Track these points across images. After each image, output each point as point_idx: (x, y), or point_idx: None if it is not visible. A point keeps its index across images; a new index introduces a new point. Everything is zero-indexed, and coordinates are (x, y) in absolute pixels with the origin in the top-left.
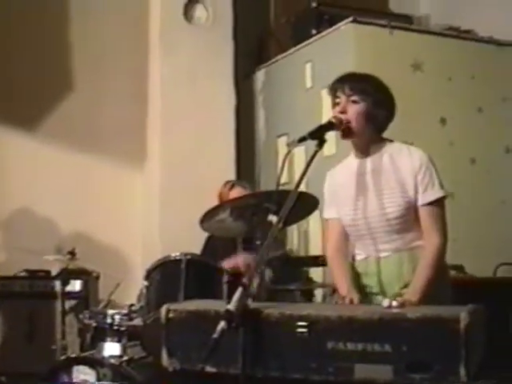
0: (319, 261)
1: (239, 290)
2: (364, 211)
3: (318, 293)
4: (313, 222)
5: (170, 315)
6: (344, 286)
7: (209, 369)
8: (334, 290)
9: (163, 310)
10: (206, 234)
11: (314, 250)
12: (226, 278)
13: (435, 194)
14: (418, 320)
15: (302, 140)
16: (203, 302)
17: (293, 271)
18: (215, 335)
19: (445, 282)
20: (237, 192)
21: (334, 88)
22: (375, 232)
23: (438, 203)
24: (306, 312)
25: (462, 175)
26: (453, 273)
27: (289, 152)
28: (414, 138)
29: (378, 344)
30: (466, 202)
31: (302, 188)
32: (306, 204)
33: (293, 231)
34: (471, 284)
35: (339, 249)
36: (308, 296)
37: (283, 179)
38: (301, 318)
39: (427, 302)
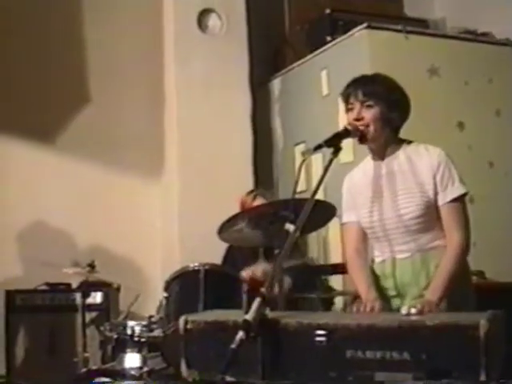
0: (339, 269)
1: (257, 300)
2: (379, 213)
3: (339, 301)
4: (332, 230)
5: (189, 326)
6: (364, 290)
7: (228, 379)
8: (355, 298)
9: (181, 320)
10: (226, 245)
11: (334, 258)
12: (245, 288)
13: (456, 191)
14: (436, 327)
15: (317, 148)
16: (222, 313)
17: (312, 279)
18: (234, 345)
19: (468, 285)
20: (258, 203)
21: (347, 94)
22: (390, 234)
23: (459, 200)
24: (324, 321)
25: (480, 179)
26: (473, 278)
27: (304, 160)
28: (432, 143)
29: (397, 352)
30: (485, 206)
31: (320, 196)
32: (324, 212)
33: (313, 239)
34: (492, 289)
35: (358, 251)
36: (328, 304)
37: (301, 187)
38: (319, 327)
39: (450, 304)
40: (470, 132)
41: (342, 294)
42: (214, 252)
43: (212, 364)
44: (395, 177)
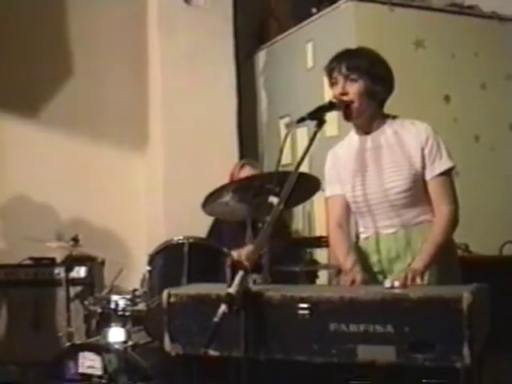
0: (323, 242)
1: (240, 273)
2: (363, 188)
3: (323, 275)
4: (317, 203)
5: (172, 300)
6: (345, 263)
7: (211, 352)
8: (339, 271)
9: (164, 294)
10: (211, 218)
11: (319, 231)
12: (229, 262)
13: (443, 165)
14: (419, 300)
15: (300, 121)
16: (205, 286)
17: (296, 253)
18: (216, 319)
19: (453, 258)
20: (246, 172)
21: (330, 68)
22: (374, 209)
23: (447, 174)
24: (307, 294)
25: (466, 153)
26: (458, 251)
27: (288, 133)
28: (418, 116)
29: (380, 325)
30: (470, 180)
31: (305, 169)
32: (309, 185)
33: (298, 213)
34: (477, 263)
35: (341, 225)
36: (312, 278)
37: (286, 160)
38: (302, 300)
39: (435, 277)
40: (455, 105)
41: (326, 267)
42: (200, 226)
43: (195, 338)
44: (381, 150)
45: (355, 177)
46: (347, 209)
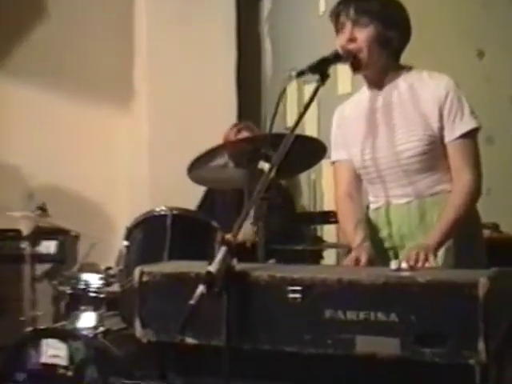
0: (330, 217)
1: (222, 249)
2: (373, 151)
3: (330, 256)
4: (325, 173)
5: (144, 279)
6: (355, 238)
7: (189, 340)
8: (350, 251)
9: (136, 272)
10: (204, 188)
11: (328, 205)
12: (219, 237)
13: (466, 125)
14: (428, 285)
15: (300, 75)
16: (185, 264)
17: (299, 230)
18: (193, 301)
19: (477, 238)
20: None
21: (337, 12)
22: (385, 175)
23: (470, 136)
24: (299, 274)
25: (500, 116)
26: (486, 232)
27: (285, 89)
28: (446, 73)
29: (382, 312)
30: (504, 148)
31: (313, 133)
32: (313, 151)
33: (304, 184)
34: (507, 244)
35: (350, 194)
36: (316, 258)
37: (290, 122)
38: (293, 282)
39: (454, 260)
40: (489, 62)
41: (333, 246)
42: (191, 196)
43: (170, 323)
44: (393, 109)
45: (364, 138)
46: (357, 176)
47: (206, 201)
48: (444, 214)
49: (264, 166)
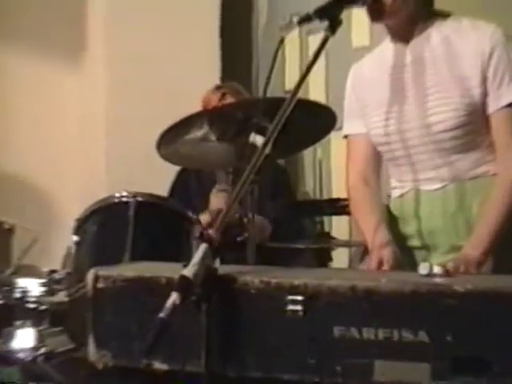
0: (341, 207)
1: (202, 247)
2: (399, 122)
3: (341, 256)
4: (334, 150)
5: (100, 285)
6: (375, 235)
7: (157, 365)
8: (366, 251)
9: (89, 276)
10: (177, 168)
11: (338, 192)
12: (197, 232)
13: None
14: (469, 295)
15: (303, 21)
16: (153, 266)
17: (300, 223)
18: (163, 314)
19: None
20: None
21: None
22: (414, 153)
23: None
24: (301, 280)
25: None
26: None
27: (282, 41)
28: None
29: (409, 330)
30: None
31: (320, 97)
32: (318, 120)
33: (308, 164)
34: None
35: (366, 178)
36: (322, 260)
37: (290, 83)
38: (294, 290)
39: (499, 265)
40: None
41: (344, 244)
42: (160, 179)
43: (134, 343)
44: (425, 67)
45: (388, 105)
46: (376, 155)
47: (180, 185)
48: (489, 213)
49: (256, 139)
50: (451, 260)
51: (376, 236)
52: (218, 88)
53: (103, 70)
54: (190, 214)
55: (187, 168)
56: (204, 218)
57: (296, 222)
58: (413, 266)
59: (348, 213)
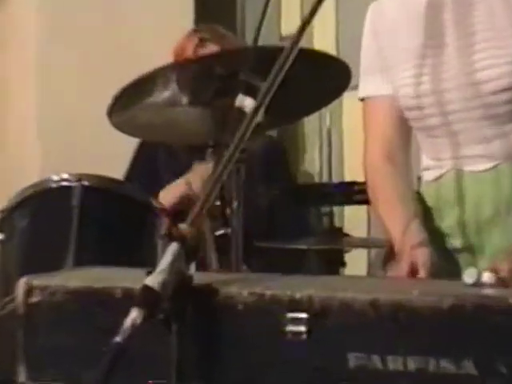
0: (355, 193)
1: (172, 248)
2: (435, 79)
3: (356, 260)
4: (346, 116)
5: (34, 298)
6: (399, 230)
7: None
8: (391, 253)
9: (20, 287)
10: (135, 142)
11: (351, 173)
12: (164, 224)
13: None
14: None
15: None
16: (105, 272)
17: (303, 215)
18: (119, 337)
19: None
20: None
21: None
22: (456, 121)
23: None
24: (304, 292)
25: None
26: None
27: None
28: None
29: (449, 359)
30: None
31: (329, 48)
32: (326, 76)
33: (311, 137)
34: None
35: (390, 154)
36: (333, 265)
37: (288, 27)
38: (295, 305)
39: None
40: None
41: (361, 244)
42: (114, 157)
43: (81, 372)
44: (471, 6)
45: (420, 57)
46: (404, 124)
47: (142, 163)
48: None
49: (243, 102)
50: (505, 260)
51: (406, 233)
52: (194, 32)
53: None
54: (154, 202)
55: (151, 142)
56: (163, 196)
57: (297, 213)
58: (454, 272)
59: (366, 201)
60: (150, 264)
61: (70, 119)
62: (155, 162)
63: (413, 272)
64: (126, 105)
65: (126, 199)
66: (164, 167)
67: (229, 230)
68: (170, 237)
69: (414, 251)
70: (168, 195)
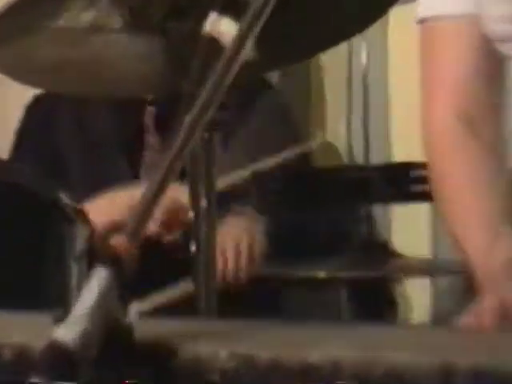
0: (411, 181)
1: (98, 275)
2: None
3: (415, 289)
4: (397, 51)
5: None
6: (481, 245)
7: None
8: (471, 282)
9: None
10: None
11: (407, 152)
12: (87, 236)
13: None
14: None
15: None
16: None
17: (325, 218)
18: None
19: None
20: None
21: None
22: None
23: None
24: (325, 354)
25: None
26: None
27: None
28: None
29: None
30: None
31: None
32: None
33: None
34: None
35: (468, 115)
36: (375, 299)
37: None
38: (309, 375)
39: None
40: None
41: (422, 269)
42: None
43: None
44: None
45: None
46: (492, 65)
47: (39, 132)
48: None
49: (219, 26)
50: None
51: (494, 249)
52: None
53: None
54: (62, 197)
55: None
56: (97, 209)
57: (313, 216)
58: None
59: (429, 196)
60: (61, 302)
61: None
62: (58, 137)
63: (504, 315)
64: (12, 32)
65: (15, 190)
66: (74, 144)
67: (193, 248)
68: (96, 257)
69: (508, 280)
70: (110, 208)
